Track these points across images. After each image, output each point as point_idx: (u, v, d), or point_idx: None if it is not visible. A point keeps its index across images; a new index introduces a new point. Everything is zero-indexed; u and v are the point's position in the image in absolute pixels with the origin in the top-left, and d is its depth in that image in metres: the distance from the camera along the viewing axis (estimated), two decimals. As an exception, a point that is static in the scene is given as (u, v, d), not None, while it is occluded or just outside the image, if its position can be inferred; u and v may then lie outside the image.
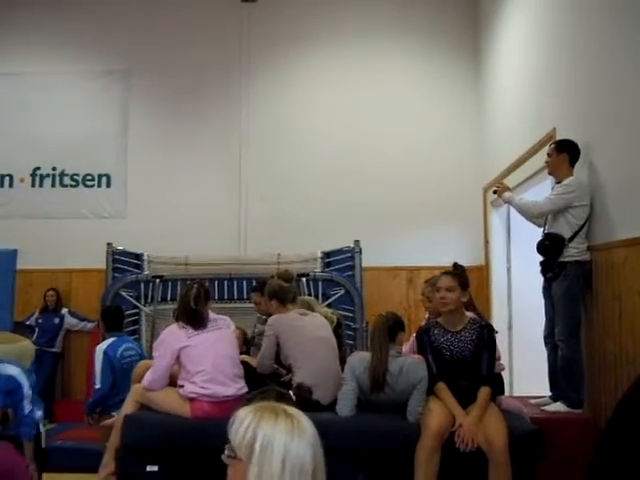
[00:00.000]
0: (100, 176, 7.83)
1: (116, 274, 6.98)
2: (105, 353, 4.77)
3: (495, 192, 4.63)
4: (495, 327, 3.94)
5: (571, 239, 3.92)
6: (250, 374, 3.96)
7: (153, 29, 7.84)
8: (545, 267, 4.06)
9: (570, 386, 3.94)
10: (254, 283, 5.54)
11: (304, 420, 1.41)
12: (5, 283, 7.26)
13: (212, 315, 3.91)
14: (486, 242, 6.99)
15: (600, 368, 3.84)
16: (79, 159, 7.80)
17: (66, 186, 7.84)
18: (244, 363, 4.04)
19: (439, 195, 7.38)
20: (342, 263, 6.95)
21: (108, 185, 7.82)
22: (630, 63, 3.52)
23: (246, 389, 3.73)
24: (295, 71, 7.83)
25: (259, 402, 1.46)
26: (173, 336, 3.78)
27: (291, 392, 2.26)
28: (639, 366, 3.29)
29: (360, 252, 6.93)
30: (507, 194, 4.45)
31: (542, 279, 4.17)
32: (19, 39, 7.88)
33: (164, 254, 7.05)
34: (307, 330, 4.01)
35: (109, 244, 7.07)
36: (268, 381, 4.06)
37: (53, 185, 7.84)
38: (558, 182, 4.10)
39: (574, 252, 3.92)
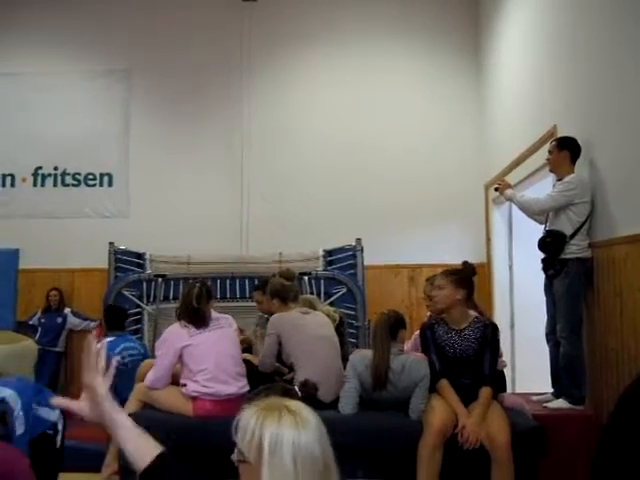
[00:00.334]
0: (102, 175, 7.84)
1: (118, 273, 6.99)
2: None
3: (497, 189, 4.64)
4: (497, 324, 3.94)
5: (572, 236, 3.92)
6: (252, 373, 3.96)
7: (154, 28, 7.84)
8: (546, 264, 4.06)
9: (572, 383, 3.95)
10: (256, 282, 5.53)
11: (306, 412, 1.42)
12: (7, 283, 7.27)
13: (214, 314, 3.92)
14: (488, 240, 6.99)
15: (602, 364, 3.85)
16: (81, 158, 7.81)
17: (68, 185, 7.85)
18: (246, 362, 4.04)
19: (441, 193, 7.38)
20: (344, 261, 6.95)
21: (110, 184, 7.83)
22: (630, 60, 3.52)
23: (248, 387, 3.74)
24: (296, 70, 7.83)
25: (262, 399, 1.47)
26: (175, 335, 3.79)
27: (296, 388, 2.26)
28: (641, 363, 3.30)
29: (362, 250, 6.92)
30: (509, 191, 4.45)
31: (544, 276, 4.17)
32: (19, 39, 7.89)
33: (166, 253, 7.05)
34: (309, 328, 4.02)
35: (111, 243, 7.08)
36: (276, 378, 4.07)
37: (55, 185, 7.85)
38: (559, 179, 4.10)
39: (575, 249, 3.92)
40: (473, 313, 3.64)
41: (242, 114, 7.73)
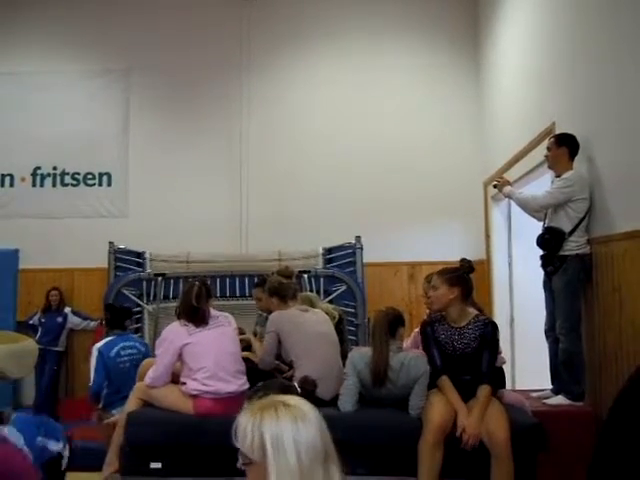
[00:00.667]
0: (101, 175, 7.84)
1: (118, 273, 7.00)
2: (99, 352, 4.83)
3: (495, 186, 4.64)
4: (496, 321, 3.94)
5: (571, 233, 3.93)
6: (252, 370, 3.97)
7: (153, 28, 7.84)
8: (545, 261, 4.07)
9: (571, 379, 3.96)
10: (255, 280, 5.54)
11: (303, 405, 1.43)
12: (7, 283, 7.27)
13: (214, 312, 3.93)
14: (487, 236, 6.99)
15: (601, 360, 3.85)
16: (80, 158, 7.81)
17: (67, 185, 7.86)
18: (246, 360, 4.05)
19: (440, 190, 7.39)
20: (343, 259, 6.96)
21: (109, 184, 7.84)
22: (629, 57, 3.52)
23: (248, 385, 3.75)
24: (295, 69, 7.83)
25: (260, 397, 1.48)
26: (175, 334, 3.80)
27: (296, 384, 2.27)
28: (639, 358, 3.30)
29: (361, 248, 6.93)
30: (507, 188, 4.46)
31: (543, 273, 4.18)
32: (19, 38, 7.89)
33: (166, 252, 7.06)
34: (308, 326, 4.02)
35: (111, 243, 7.08)
36: (276, 375, 4.08)
37: (54, 184, 7.86)
38: (558, 176, 4.10)
39: (574, 246, 3.93)
40: (473, 311, 3.63)
41: (241, 113, 7.73)
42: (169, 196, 7.65)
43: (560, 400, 3.98)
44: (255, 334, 4.94)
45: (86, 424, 5.75)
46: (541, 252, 4.10)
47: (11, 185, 7.86)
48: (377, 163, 7.47)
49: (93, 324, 7.25)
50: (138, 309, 6.84)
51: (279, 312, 4.13)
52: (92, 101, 7.88)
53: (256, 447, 1.35)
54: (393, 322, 3.64)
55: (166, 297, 6.73)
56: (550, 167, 4.27)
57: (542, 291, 4.26)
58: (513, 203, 4.89)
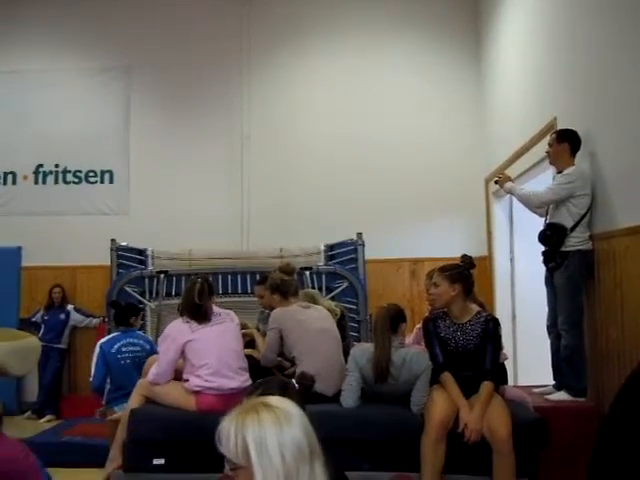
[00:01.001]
0: (103, 172, 7.85)
1: (120, 270, 7.00)
2: (100, 347, 4.87)
3: (497, 182, 4.63)
4: (498, 317, 3.95)
5: (573, 228, 3.93)
6: (254, 367, 3.98)
7: (153, 25, 7.83)
8: (547, 257, 4.06)
9: (573, 375, 3.96)
10: (257, 277, 5.55)
11: (286, 405, 1.42)
12: (10, 281, 7.30)
13: (216, 309, 3.94)
14: (489, 233, 6.99)
15: (603, 356, 3.86)
16: (81, 156, 7.82)
17: (69, 183, 7.86)
18: (248, 357, 4.06)
19: (441, 187, 7.38)
20: (345, 256, 6.96)
21: (111, 181, 7.84)
22: (630, 52, 3.51)
23: (250, 382, 3.75)
24: (294, 66, 7.81)
25: (259, 395, 1.47)
26: (177, 331, 3.81)
27: (294, 380, 2.29)
28: (641, 354, 3.30)
29: (363, 245, 6.93)
30: (509, 184, 4.45)
31: (544, 269, 4.18)
32: (20, 37, 7.89)
33: (167, 249, 7.06)
34: (310, 323, 4.03)
35: (113, 240, 7.09)
36: (275, 371, 4.09)
37: (56, 182, 7.86)
38: (559, 172, 4.10)
39: (576, 241, 3.92)
40: (475, 307, 3.63)
41: (242, 110, 7.73)
42: (171, 193, 7.65)
43: (562, 396, 3.99)
44: (257, 330, 4.95)
45: (89, 421, 5.79)
46: (543, 248, 4.09)
47: (13, 183, 7.87)
48: (378, 159, 7.46)
49: (95, 321, 7.26)
50: (141, 306, 6.85)
51: (281, 309, 4.14)
52: (93, 99, 7.88)
53: (240, 452, 1.34)
54: (395, 318, 3.65)
55: (168, 294, 6.74)
56: (551, 163, 4.27)
57: (544, 287, 4.26)
58: (515, 199, 4.90)
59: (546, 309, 4.26)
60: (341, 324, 4.54)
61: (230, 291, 6.69)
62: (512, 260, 6.48)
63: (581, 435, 3.50)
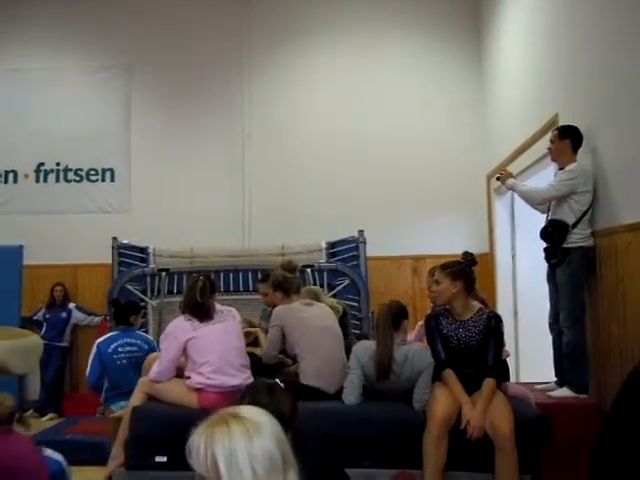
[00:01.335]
0: (104, 171, 7.85)
1: (122, 268, 7.00)
2: (97, 346, 4.89)
3: (498, 179, 4.63)
4: (500, 314, 3.94)
5: (574, 225, 3.92)
6: (256, 365, 3.98)
7: (154, 24, 7.83)
8: (549, 253, 4.06)
9: (575, 371, 3.95)
10: (259, 275, 5.55)
11: (257, 415, 1.38)
12: (12, 279, 7.29)
13: (218, 307, 3.94)
14: (490, 229, 6.99)
15: (605, 353, 3.85)
16: (83, 154, 7.82)
17: (70, 181, 7.87)
18: (250, 354, 4.06)
19: (443, 183, 7.37)
20: (347, 253, 6.96)
21: (112, 180, 7.85)
22: (631, 48, 3.50)
23: (252, 379, 3.76)
24: (295, 65, 7.80)
25: (248, 403, 1.43)
26: (179, 328, 3.81)
27: (277, 380, 2.29)
28: (644, 350, 3.30)
29: (364, 242, 6.93)
30: (510, 181, 4.44)
31: (546, 265, 4.17)
32: (21, 35, 7.89)
33: (169, 247, 7.06)
34: (312, 320, 4.03)
35: (114, 238, 7.09)
36: (274, 368, 4.09)
37: (57, 180, 7.87)
38: (561, 168, 4.09)
39: (578, 238, 3.92)
40: (477, 304, 3.63)
41: (243, 109, 7.72)
42: (172, 191, 7.65)
43: (564, 392, 3.98)
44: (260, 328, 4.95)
45: (91, 419, 5.79)
46: (544, 245, 4.09)
47: (15, 181, 7.88)
48: (380, 157, 7.45)
49: (97, 320, 7.27)
50: (142, 304, 6.86)
51: (283, 306, 4.14)
52: (94, 97, 7.89)
53: (210, 466, 1.29)
54: (397, 315, 3.65)
55: (170, 292, 6.75)
56: (553, 159, 4.26)
57: (546, 284, 4.25)
58: (516, 196, 4.89)
59: (548, 306, 4.26)
60: (343, 321, 4.54)
61: (232, 289, 6.69)
62: (514, 257, 6.47)
63: (583, 432, 3.49)
